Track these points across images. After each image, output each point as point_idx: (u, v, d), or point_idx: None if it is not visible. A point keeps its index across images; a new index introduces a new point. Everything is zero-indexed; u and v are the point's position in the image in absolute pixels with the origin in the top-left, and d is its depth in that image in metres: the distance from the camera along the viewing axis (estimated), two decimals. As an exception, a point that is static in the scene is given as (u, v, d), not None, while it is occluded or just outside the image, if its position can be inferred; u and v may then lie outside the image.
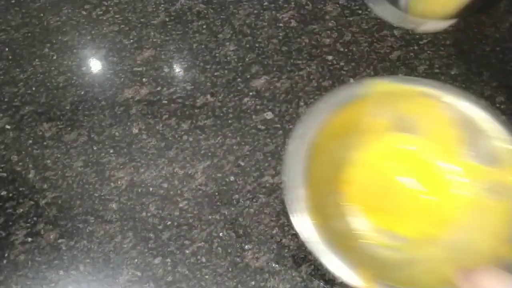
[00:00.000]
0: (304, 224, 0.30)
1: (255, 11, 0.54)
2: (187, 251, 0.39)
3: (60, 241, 0.40)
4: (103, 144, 0.45)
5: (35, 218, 0.41)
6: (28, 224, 0.41)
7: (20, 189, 0.43)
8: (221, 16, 0.54)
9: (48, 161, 0.45)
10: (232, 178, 0.43)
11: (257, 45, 0.51)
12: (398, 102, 0.36)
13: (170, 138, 0.45)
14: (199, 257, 0.39)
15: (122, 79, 0.50)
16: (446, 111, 0.35)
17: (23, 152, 0.45)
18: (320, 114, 0.34)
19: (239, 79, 0.49)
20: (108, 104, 0.48)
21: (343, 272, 0.29)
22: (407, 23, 0.34)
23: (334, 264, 0.29)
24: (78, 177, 0.43)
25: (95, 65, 0.52)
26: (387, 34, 0.51)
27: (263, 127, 0.45)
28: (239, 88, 0.48)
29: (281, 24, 0.52)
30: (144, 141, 0.45)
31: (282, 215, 0.39)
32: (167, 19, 0.55)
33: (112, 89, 0.49)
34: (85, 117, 0.47)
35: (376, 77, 0.34)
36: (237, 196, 0.41)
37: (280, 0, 0.54)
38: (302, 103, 0.46)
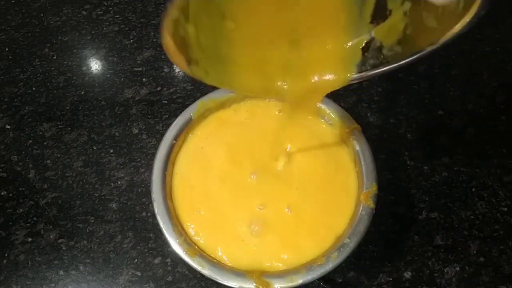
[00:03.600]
0: (189, 260, 0.32)
1: (255, 11, 0.54)
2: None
3: (60, 241, 0.40)
4: (103, 144, 0.45)
5: (35, 218, 0.41)
6: (28, 224, 0.41)
7: (20, 189, 0.43)
8: (221, 16, 0.54)
9: (48, 161, 0.45)
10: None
11: (257, 45, 0.51)
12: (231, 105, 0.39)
13: (170, 138, 0.45)
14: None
15: (122, 79, 0.50)
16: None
17: (23, 152, 0.45)
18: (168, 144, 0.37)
19: (239, 79, 0.49)
20: (108, 104, 0.48)
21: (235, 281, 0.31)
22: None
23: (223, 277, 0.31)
24: (78, 177, 0.43)
25: (95, 65, 0.52)
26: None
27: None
28: (239, 88, 0.48)
29: (281, 24, 0.52)
30: (144, 141, 0.45)
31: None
32: (167, 19, 0.55)
33: (112, 89, 0.49)
34: (85, 117, 0.47)
35: (204, 97, 0.39)
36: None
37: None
38: (302, 103, 0.46)
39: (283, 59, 0.29)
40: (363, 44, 0.28)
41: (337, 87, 0.30)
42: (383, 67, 0.27)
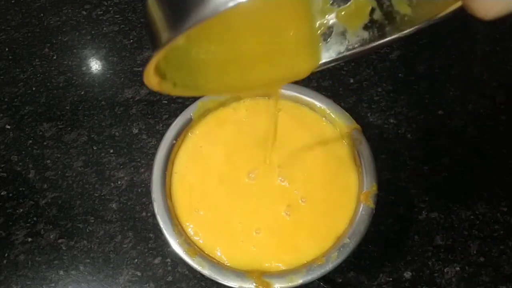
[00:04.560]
0: (187, 259, 0.32)
1: (255, 11, 0.54)
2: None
3: (60, 241, 0.40)
4: (103, 144, 0.45)
5: (35, 218, 0.41)
6: (28, 224, 0.41)
7: (20, 189, 0.43)
8: (221, 16, 0.54)
9: (48, 161, 0.45)
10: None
11: (257, 45, 0.51)
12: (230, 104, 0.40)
13: (170, 138, 0.45)
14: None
15: (122, 79, 0.50)
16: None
17: (23, 152, 0.45)
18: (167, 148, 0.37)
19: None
20: (108, 104, 0.48)
21: (235, 281, 0.31)
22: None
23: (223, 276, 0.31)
24: (78, 177, 0.43)
25: (95, 65, 0.52)
26: (387, 34, 0.51)
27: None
28: (239, 88, 0.48)
29: (281, 24, 0.52)
30: (144, 141, 0.45)
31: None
32: (167, 19, 0.55)
33: (112, 89, 0.49)
34: (85, 117, 0.47)
35: (204, 97, 0.39)
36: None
37: None
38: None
39: (245, 54, 0.28)
40: (324, 29, 0.27)
41: (301, 77, 0.28)
42: (346, 53, 0.26)
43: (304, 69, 0.27)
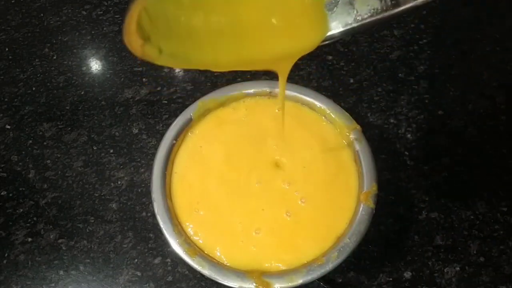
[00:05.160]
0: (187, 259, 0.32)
1: (255, 11, 0.54)
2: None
3: (60, 241, 0.40)
4: (103, 144, 0.45)
5: (35, 218, 0.41)
6: (28, 224, 0.41)
7: (20, 189, 0.43)
8: (221, 16, 0.54)
9: (48, 161, 0.45)
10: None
11: (257, 45, 0.51)
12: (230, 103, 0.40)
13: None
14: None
15: (122, 79, 0.50)
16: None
17: (23, 152, 0.45)
18: (167, 147, 0.37)
19: (239, 79, 0.48)
20: (108, 104, 0.48)
21: (236, 281, 0.31)
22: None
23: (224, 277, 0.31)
24: (78, 177, 0.43)
25: (95, 65, 0.52)
26: (387, 34, 0.51)
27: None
28: (239, 88, 0.48)
29: (281, 24, 0.52)
30: (144, 141, 0.45)
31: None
32: (167, 19, 0.55)
33: (112, 89, 0.49)
34: (85, 117, 0.47)
35: (204, 97, 0.39)
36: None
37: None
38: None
39: (244, 23, 0.25)
40: None
41: (306, 51, 0.26)
42: (354, 25, 0.24)
43: (309, 41, 0.26)
